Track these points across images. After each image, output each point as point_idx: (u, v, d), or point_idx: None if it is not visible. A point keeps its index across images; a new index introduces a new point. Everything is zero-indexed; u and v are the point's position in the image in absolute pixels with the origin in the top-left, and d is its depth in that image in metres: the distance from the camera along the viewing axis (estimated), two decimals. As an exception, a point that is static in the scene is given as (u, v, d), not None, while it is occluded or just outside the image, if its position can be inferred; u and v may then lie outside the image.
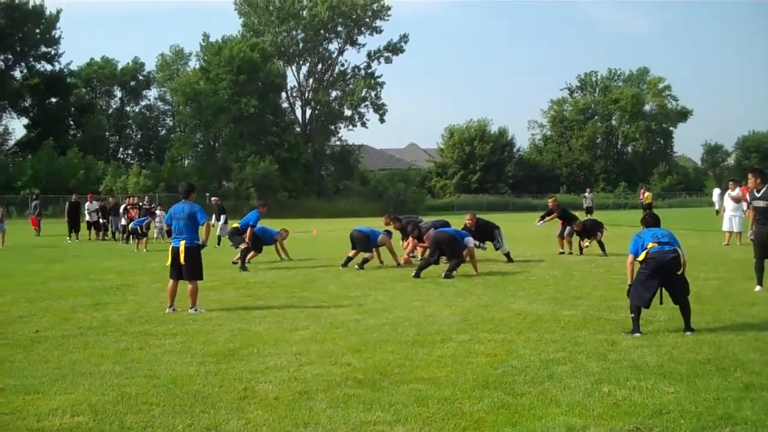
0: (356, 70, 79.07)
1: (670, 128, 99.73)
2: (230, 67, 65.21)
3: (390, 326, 10.03)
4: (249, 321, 10.65)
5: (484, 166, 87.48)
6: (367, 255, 17.72)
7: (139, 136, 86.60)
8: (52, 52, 73.95)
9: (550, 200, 22.21)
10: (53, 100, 74.92)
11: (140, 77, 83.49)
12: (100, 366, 7.90)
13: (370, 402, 6.43)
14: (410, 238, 18.72)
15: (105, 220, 31.83)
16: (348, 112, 78.02)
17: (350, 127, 78.98)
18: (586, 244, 20.23)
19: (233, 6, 77.22)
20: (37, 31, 72.38)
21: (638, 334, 9.03)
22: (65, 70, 75.99)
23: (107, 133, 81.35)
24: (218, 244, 25.25)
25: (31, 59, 73.30)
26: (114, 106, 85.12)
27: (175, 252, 11.64)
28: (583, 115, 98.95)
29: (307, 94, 78.21)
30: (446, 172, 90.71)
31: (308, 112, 78.39)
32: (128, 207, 29.48)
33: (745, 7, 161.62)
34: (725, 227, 22.89)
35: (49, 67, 74.64)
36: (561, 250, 20.60)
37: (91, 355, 8.45)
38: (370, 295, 13.14)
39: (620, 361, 7.81)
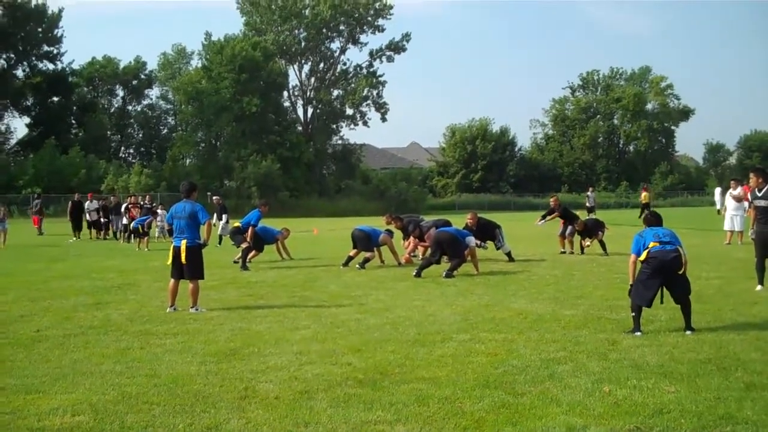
0: (358, 68, 79.13)
1: (672, 127, 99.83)
2: (232, 66, 65.25)
3: (391, 326, 10.03)
4: (250, 320, 10.65)
5: (485, 165, 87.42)
6: (368, 254, 17.71)
7: (140, 135, 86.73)
8: (54, 51, 73.98)
9: (551, 199, 22.19)
10: (55, 99, 74.93)
11: (142, 76, 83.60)
12: (101, 365, 7.90)
13: (370, 401, 6.43)
14: (411, 238, 18.71)
15: (106, 219, 31.83)
16: (350, 111, 78.14)
17: (352, 126, 79.21)
18: (588, 243, 20.22)
19: (235, 5, 77.38)
20: (40, 30, 72.39)
21: (639, 334, 9.03)
22: (67, 69, 76.06)
23: (109, 132, 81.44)
24: (219, 243, 25.25)
25: (33, 58, 73.33)
26: (116, 105, 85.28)
27: (177, 251, 11.64)
28: (584, 114, 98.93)
29: (308, 93, 78.27)
30: (448, 171, 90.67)
31: (310, 111, 78.46)
32: (129, 206, 29.48)
33: (746, 6, 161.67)
34: (727, 226, 22.89)
35: (51, 66, 74.73)
36: (562, 250, 20.59)
37: (92, 355, 8.45)
38: (371, 295, 13.14)
39: (621, 360, 7.81)
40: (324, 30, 75.52)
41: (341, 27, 76.55)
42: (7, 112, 74.43)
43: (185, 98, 68.70)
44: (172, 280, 11.73)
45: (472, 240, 16.49)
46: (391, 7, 76.40)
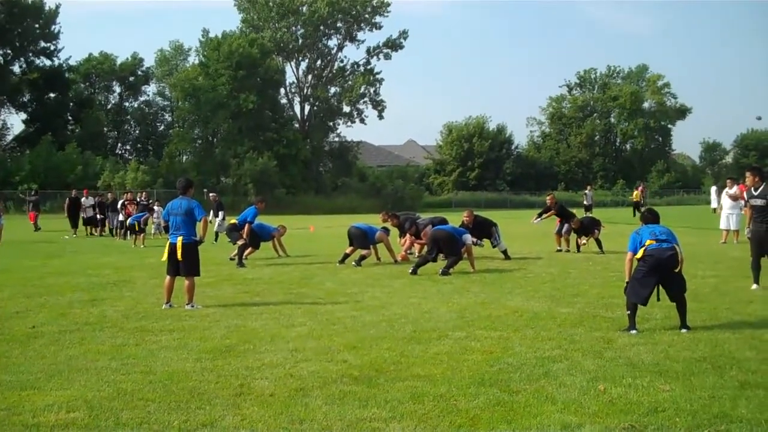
0: (355, 66, 79.16)
1: (669, 126, 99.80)
2: (229, 62, 65.21)
3: (386, 323, 10.03)
4: (245, 317, 10.65)
5: (482, 163, 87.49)
6: (364, 252, 17.72)
7: (137, 131, 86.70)
8: (51, 48, 73.96)
9: (548, 197, 22.20)
10: (52, 95, 74.80)
11: (139, 73, 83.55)
12: (96, 362, 7.90)
13: (365, 399, 6.43)
14: (408, 235, 18.74)
15: (102, 216, 31.81)
16: (347, 109, 78.12)
17: (349, 123, 79.22)
18: (584, 241, 20.22)
19: (233, 2, 77.30)
20: (37, 26, 72.33)
21: (634, 332, 9.04)
22: (64, 65, 76.01)
23: (106, 129, 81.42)
24: (215, 240, 25.26)
25: (30, 54, 73.18)
26: (113, 102, 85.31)
27: (173, 248, 11.62)
28: (581, 112, 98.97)
29: (306, 90, 78.23)
30: (444, 169, 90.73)
31: (307, 108, 78.48)
32: (126, 203, 29.45)
33: (744, 6, 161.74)
34: (723, 225, 22.92)
35: (48, 62, 74.72)
36: (558, 248, 20.61)
37: (87, 351, 8.44)
38: (367, 292, 13.14)
39: (616, 358, 7.82)
40: (321, 27, 75.51)
41: (339, 24, 76.54)
42: (3, 108, 74.34)
43: (182, 95, 68.68)
44: (168, 277, 11.72)
45: (468, 238, 16.49)
46: (388, 5, 76.42)
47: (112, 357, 8.12)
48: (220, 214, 26.28)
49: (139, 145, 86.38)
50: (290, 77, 77.92)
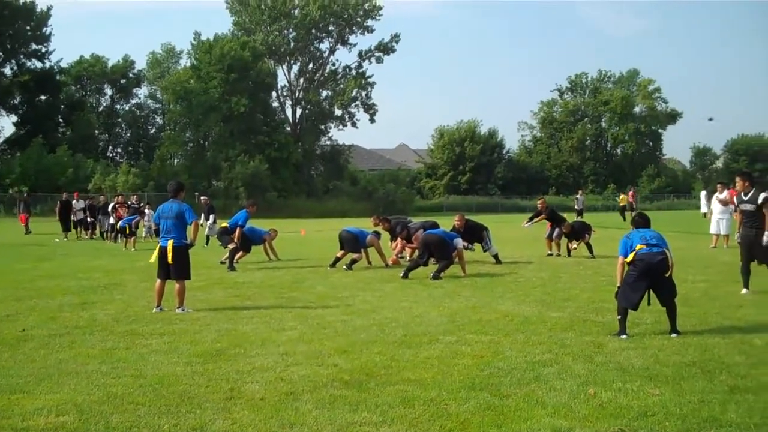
0: (347, 69, 79.03)
1: (660, 130, 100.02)
2: (221, 65, 65.07)
3: (377, 327, 10.04)
4: (236, 321, 10.64)
5: (473, 167, 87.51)
6: (355, 255, 17.72)
7: (128, 134, 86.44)
8: (43, 50, 73.60)
9: (539, 202, 22.25)
10: (43, 97, 74.54)
11: (130, 75, 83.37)
12: (87, 365, 7.89)
13: (356, 403, 6.44)
14: (399, 239, 18.74)
15: (93, 219, 31.75)
16: (338, 112, 78.01)
17: (340, 126, 79.02)
18: (574, 246, 20.25)
19: (225, 4, 77.18)
20: (28, 28, 71.99)
21: (624, 336, 9.06)
22: (55, 67, 75.67)
23: (97, 132, 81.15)
24: (206, 243, 25.22)
25: (21, 56, 72.89)
26: (104, 104, 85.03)
27: (163, 251, 11.61)
28: (572, 116, 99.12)
29: (297, 94, 78.13)
30: (436, 173, 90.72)
31: (298, 111, 78.32)
32: (117, 206, 29.38)
33: (736, 9, 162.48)
34: (713, 230, 22.98)
35: (39, 65, 74.33)
36: (549, 252, 20.65)
37: (78, 355, 8.43)
38: (358, 296, 13.15)
39: (606, 363, 7.84)
40: (313, 30, 75.42)
41: (330, 27, 76.46)
42: (-6, 111, 74.12)
43: (173, 98, 68.53)
44: (159, 281, 11.71)
45: (459, 242, 16.50)
46: (380, 8, 76.43)
47: (102, 360, 8.10)
48: (211, 217, 26.25)
49: (130, 148, 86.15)
50: (282, 80, 77.95)
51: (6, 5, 68.33)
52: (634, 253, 9.30)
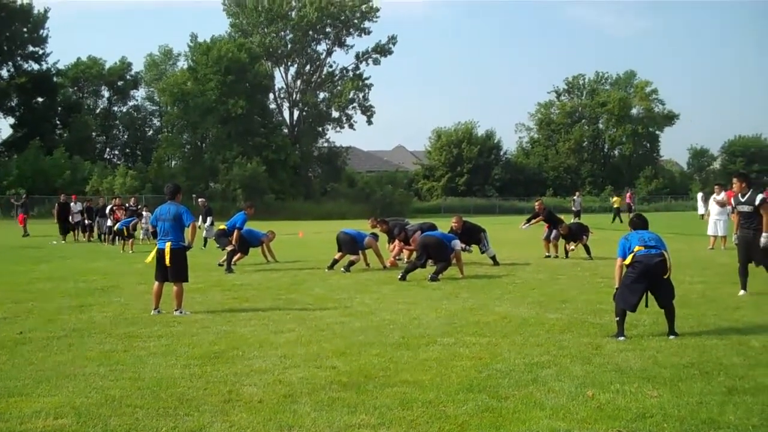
0: (344, 71, 79.11)
1: (657, 132, 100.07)
2: (218, 67, 65.02)
3: (375, 329, 10.04)
4: (234, 323, 10.64)
5: (471, 168, 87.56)
6: (353, 257, 17.72)
7: (126, 136, 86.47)
8: (40, 52, 73.57)
9: (536, 203, 22.27)
10: (40, 99, 74.55)
11: (128, 77, 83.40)
12: (85, 368, 7.88)
13: (354, 405, 6.43)
14: (396, 241, 18.74)
15: (91, 221, 31.71)
16: (336, 114, 78.07)
17: (338, 128, 79.13)
18: (572, 247, 20.26)
19: (222, 6, 77.22)
20: (25, 30, 72.03)
21: (622, 338, 9.06)
22: (52, 69, 75.59)
23: (94, 134, 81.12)
24: (204, 245, 25.21)
25: (18, 58, 72.89)
26: (101, 106, 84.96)
27: (161, 254, 11.61)
28: (570, 118, 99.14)
29: (294, 96, 78.18)
30: (433, 175, 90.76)
31: (296, 113, 78.39)
32: (114, 208, 29.35)
33: (733, 11, 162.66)
34: (710, 231, 22.99)
35: (36, 67, 74.29)
36: (547, 254, 20.65)
37: (76, 357, 8.42)
38: (356, 298, 13.15)
39: (604, 364, 7.84)
40: (310, 32, 75.47)
41: (327, 29, 76.52)
42: (-9, 113, 74.06)
43: (171, 100, 68.48)
44: (156, 283, 11.70)
45: (457, 243, 16.50)
46: (377, 10, 76.53)
47: (101, 363, 8.10)
48: (209, 219, 26.24)
49: (127, 150, 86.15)
50: (279, 82, 78.04)
51: (3, 7, 68.34)
52: (632, 254, 9.30)
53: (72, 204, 32.11)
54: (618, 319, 9.27)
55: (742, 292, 12.74)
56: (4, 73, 72.94)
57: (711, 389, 6.85)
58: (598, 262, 18.54)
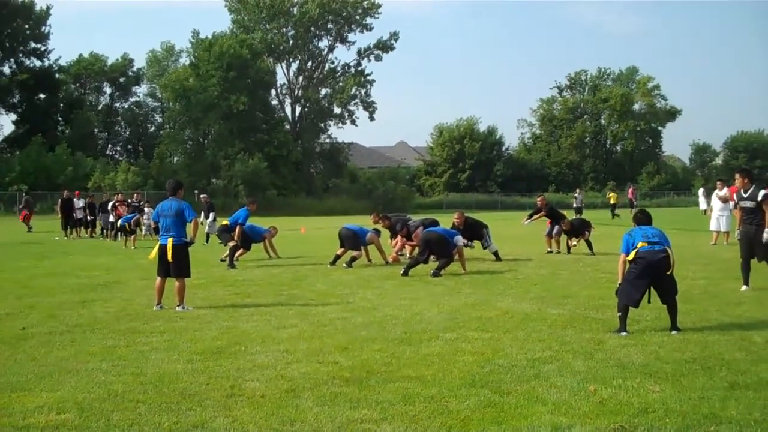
0: (346, 67, 79.10)
1: (659, 128, 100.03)
2: (220, 63, 65.00)
3: (377, 324, 10.04)
4: (237, 319, 10.65)
5: (473, 164, 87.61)
6: (355, 253, 17.71)
7: (128, 132, 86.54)
8: (42, 48, 73.76)
9: (538, 199, 22.25)
10: (42, 96, 74.59)
11: (130, 73, 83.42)
12: (87, 363, 7.88)
13: (356, 400, 6.43)
14: (399, 237, 18.73)
15: (93, 217, 31.73)
16: (337, 110, 77.99)
17: (340, 124, 79.04)
18: (574, 243, 20.25)
19: (224, 2, 77.14)
20: (27, 26, 72.12)
21: (625, 333, 9.05)
22: (54, 66, 75.81)
23: (96, 130, 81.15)
24: (207, 241, 25.23)
25: (20, 55, 72.92)
26: (103, 103, 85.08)
27: (163, 249, 11.61)
28: (572, 114, 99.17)
29: (296, 92, 78.14)
30: (435, 171, 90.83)
31: (298, 109, 78.35)
32: (116, 204, 29.38)
33: (735, 7, 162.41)
34: (713, 227, 22.97)
35: (38, 63, 74.53)
36: (549, 249, 20.63)
37: (78, 353, 8.43)
38: (358, 294, 13.15)
39: (606, 360, 7.83)
40: (312, 28, 75.40)
41: (329, 25, 76.44)
42: (-7, 109, 74.10)
43: (173, 96, 68.55)
44: (159, 279, 11.71)
45: (459, 239, 16.49)
46: (379, 6, 76.39)
47: (103, 358, 8.10)
48: (211, 215, 26.27)
49: (129, 147, 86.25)
50: (281, 78, 78.02)
51: (5, 4, 68.33)
52: (635, 250, 9.29)
53: (75, 200, 32.12)
54: (620, 314, 9.26)
55: (744, 287, 12.73)
56: (6, 69, 73.03)
57: (713, 384, 6.84)
58: (600, 258, 18.53)
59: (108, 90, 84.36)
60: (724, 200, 21.96)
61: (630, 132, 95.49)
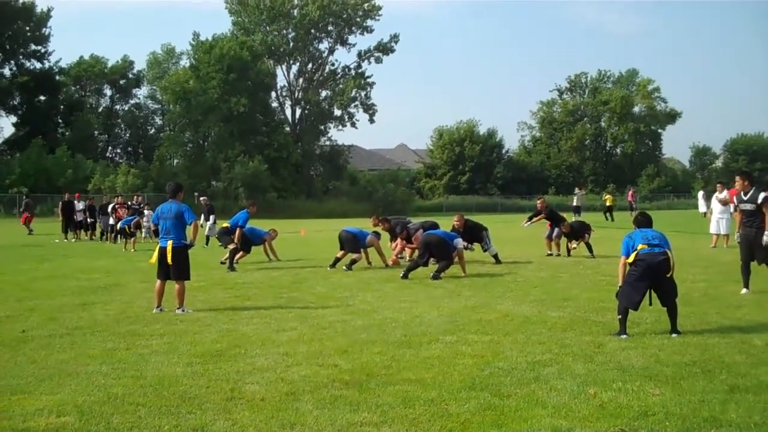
0: (346, 69, 78.99)
1: (659, 130, 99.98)
2: (220, 65, 64.94)
3: (377, 327, 10.04)
4: (236, 321, 10.64)
5: (473, 167, 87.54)
6: (355, 256, 17.72)
7: (128, 134, 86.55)
8: (42, 50, 73.76)
9: (538, 201, 22.24)
10: (42, 98, 74.72)
11: (130, 76, 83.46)
12: (87, 366, 7.89)
13: (356, 403, 6.44)
14: (399, 239, 18.74)
15: (93, 220, 31.74)
16: (338, 112, 77.90)
17: (340, 127, 78.88)
18: (574, 245, 20.24)
19: (224, 5, 77.15)
20: (27, 28, 72.11)
21: (625, 336, 9.05)
22: (55, 68, 75.85)
23: (96, 132, 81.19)
24: (206, 244, 25.23)
25: (20, 57, 73.00)
26: (103, 105, 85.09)
27: (163, 252, 11.61)
28: (572, 116, 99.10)
29: (296, 94, 78.05)
30: (435, 173, 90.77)
31: (298, 111, 78.26)
32: (116, 206, 29.39)
33: (735, 9, 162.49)
34: (713, 230, 22.96)
35: (38, 65, 74.55)
36: (549, 252, 20.63)
37: (78, 355, 8.43)
38: (358, 296, 13.15)
39: (606, 362, 7.83)
40: (312, 30, 75.36)
41: (329, 28, 76.38)
42: (-7, 111, 74.12)
43: (173, 98, 68.52)
44: (159, 281, 11.71)
45: (459, 242, 16.49)
46: (379, 8, 76.35)
47: (103, 361, 8.11)
48: (211, 218, 26.28)
49: (129, 149, 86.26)
50: (281, 81, 77.89)
51: (5, 6, 68.34)
52: (635, 253, 9.29)
53: (75, 202, 32.13)
54: (620, 317, 9.25)
55: (744, 290, 12.73)
56: (7, 71, 73.11)
57: (713, 387, 6.84)
58: (600, 260, 18.53)
59: (108, 92, 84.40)
60: (724, 203, 21.97)
61: (630, 134, 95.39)
